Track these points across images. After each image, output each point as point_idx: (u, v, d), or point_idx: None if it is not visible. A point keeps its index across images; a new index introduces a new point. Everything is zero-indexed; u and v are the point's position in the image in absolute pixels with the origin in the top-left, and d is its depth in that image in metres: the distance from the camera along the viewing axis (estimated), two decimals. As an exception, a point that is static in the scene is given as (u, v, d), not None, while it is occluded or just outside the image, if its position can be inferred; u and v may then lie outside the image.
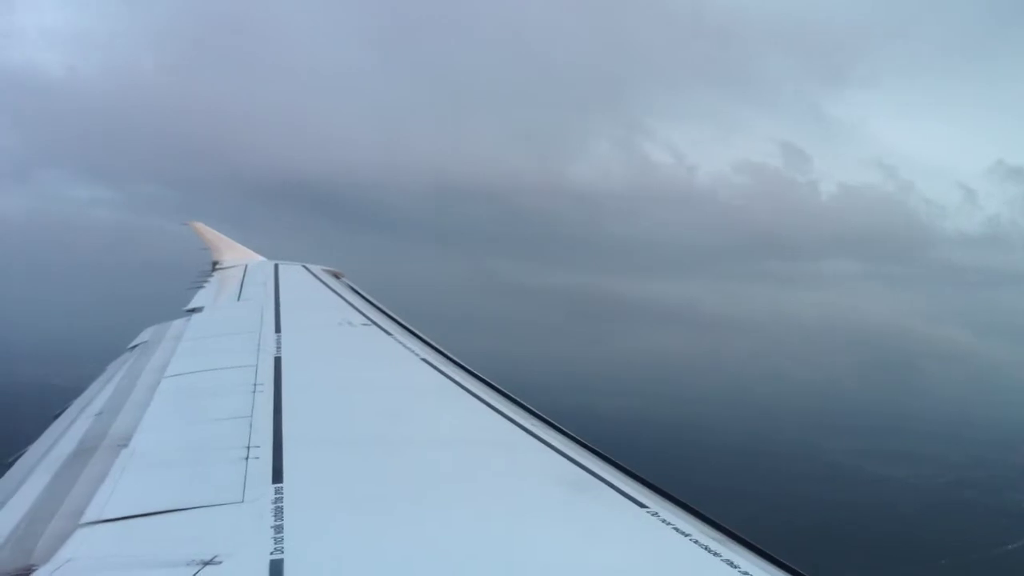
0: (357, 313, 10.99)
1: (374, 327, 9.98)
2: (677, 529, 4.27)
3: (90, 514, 4.27)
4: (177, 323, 10.56)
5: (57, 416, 7.04)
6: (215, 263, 16.70)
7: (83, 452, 5.56)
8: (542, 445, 5.65)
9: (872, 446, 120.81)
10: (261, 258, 17.18)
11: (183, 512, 4.19)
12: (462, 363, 8.16)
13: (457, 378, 7.46)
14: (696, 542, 4.11)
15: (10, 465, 5.81)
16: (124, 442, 5.55)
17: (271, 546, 3.65)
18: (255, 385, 6.75)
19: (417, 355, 8.38)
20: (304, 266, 15.76)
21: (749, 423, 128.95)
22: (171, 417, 6.37)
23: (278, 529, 3.84)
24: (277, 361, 7.65)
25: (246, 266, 15.99)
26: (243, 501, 4.29)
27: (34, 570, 3.66)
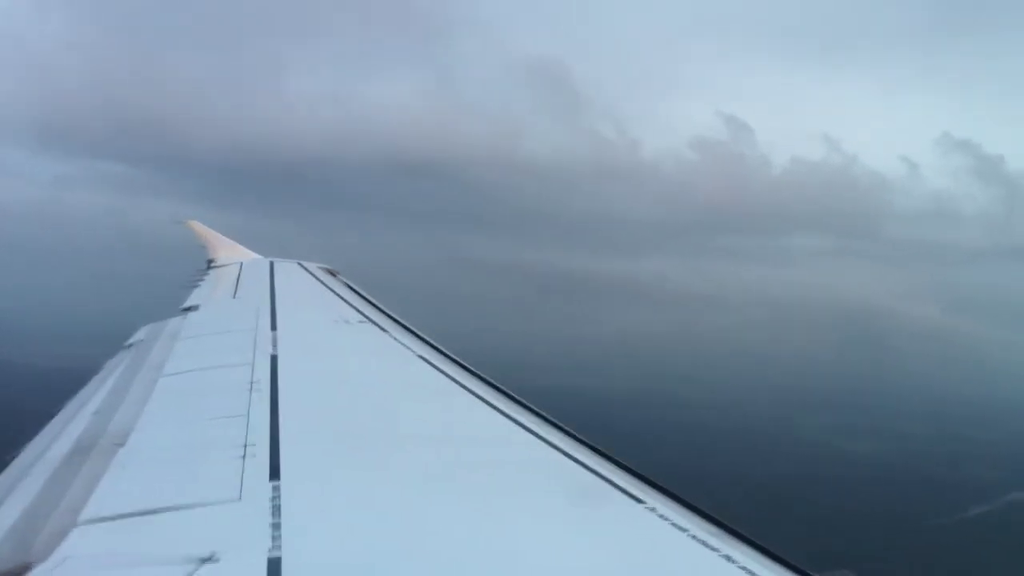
0: (353, 310, 11.00)
1: (370, 324, 9.99)
2: (675, 524, 4.28)
3: (88, 512, 4.27)
4: (173, 321, 10.57)
5: (54, 414, 7.04)
6: (210, 261, 16.71)
7: (80, 451, 5.56)
8: (539, 441, 5.67)
9: (841, 422, 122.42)
10: (257, 256, 17.19)
11: (181, 510, 4.20)
12: (459, 360, 8.18)
13: (454, 375, 7.48)
14: (694, 537, 4.12)
15: (7, 463, 5.81)
16: (121, 440, 5.56)
17: (269, 544, 3.66)
18: (251, 383, 6.76)
19: (414, 352, 8.40)
20: (300, 264, 15.77)
21: (719, 400, 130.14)
22: (168, 416, 6.37)
23: (276, 527, 3.85)
24: (273, 359, 7.65)
25: (241, 264, 16.00)
26: (240, 499, 4.29)
27: (32, 568, 3.66)
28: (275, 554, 3.56)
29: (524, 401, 6.81)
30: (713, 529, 4.34)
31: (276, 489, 4.39)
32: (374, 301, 11.90)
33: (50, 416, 6.99)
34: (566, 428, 6.12)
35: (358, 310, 11.00)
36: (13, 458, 5.94)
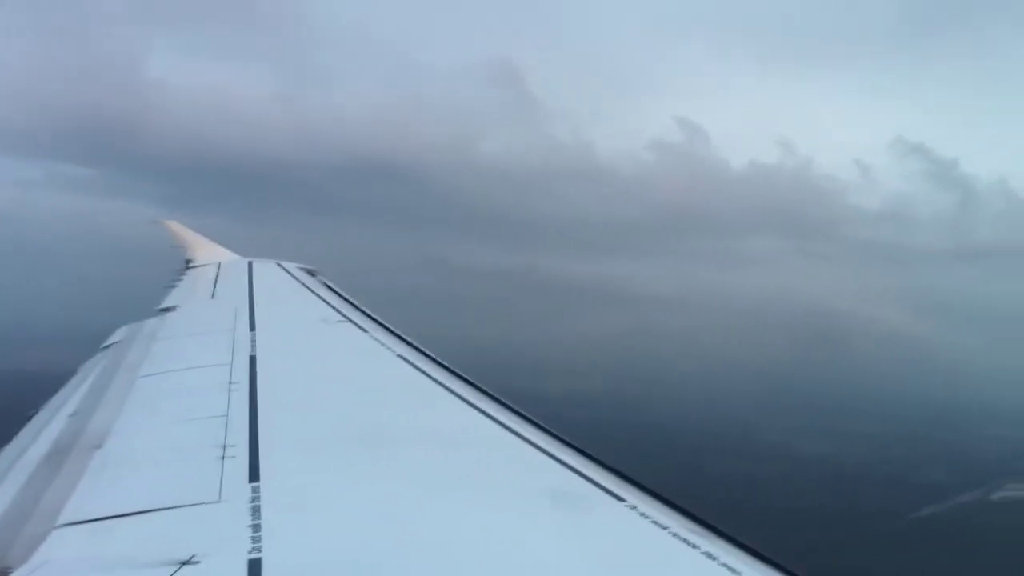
0: (332, 310, 10.97)
1: (349, 324, 9.97)
2: (656, 522, 4.29)
3: (66, 515, 4.25)
4: (151, 322, 10.51)
5: (30, 417, 6.99)
6: (188, 261, 16.61)
7: (58, 453, 5.53)
8: (520, 440, 5.67)
9: (800, 423, 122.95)
10: (235, 256, 17.09)
11: (160, 512, 4.18)
12: (438, 359, 8.17)
13: (433, 374, 7.47)
14: (675, 535, 4.14)
15: None
16: (99, 442, 5.53)
17: (249, 545, 3.65)
18: (230, 384, 6.73)
19: (393, 351, 8.39)
20: (278, 263, 15.71)
21: (679, 402, 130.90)
22: (146, 417, 6.34)
23: (256, 528, 3.84)
24: (252, 359, 7.63)
25: (219, 264, 15.91)
26: (220, 500, 4.28)
27: (10, 572, 3.64)
28: (255, 555, 3.55)
29: (505, 401, 6.81)
30: (694, 527, 4.36)
31: (256, 490, 4.38)
32: (353, 301, 11.87)
33: (27, 419, 6.94)
34: (546, 427, 6.13)
35: (337, 310, 10.97)
36: None
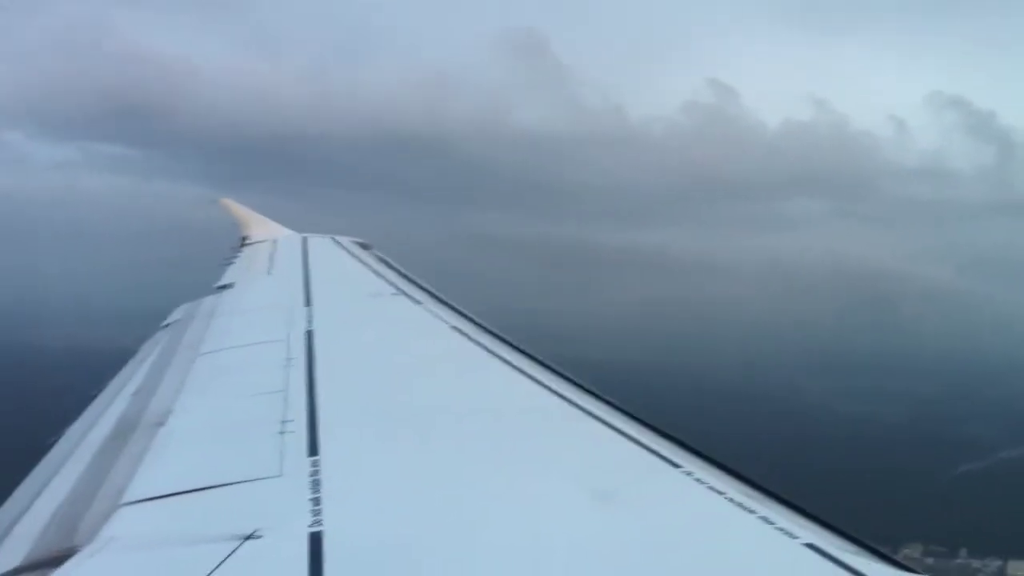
0: (386, 283, 11.02)
1: (403, 297, 10.00)
2: (712, 488, 4.25)
3: (131, 493, 4.32)
4: (209, 300, 10.64)
5: (94, 397, 7.12)
6: (244, 238, 16.79)
7: (122, 432, 5.62)
8: (575, 409, 5.64)
9: (847, 384, 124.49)
10: (289, 232, 17.23)
11: (222, 488, 4.23)
12: (492, 329, 8.16)
13: (487, 344, 7.46)
14: (731, 500, 4.09)
15: (50, 447, 5.89)
16: (162, 420, 5.61)
17: (310, 519, 3.67)
18: (288, 359, 6.79)
19: (447, 323, 8.40)
20: (333, 238, 15.80)
21: (730, 366, 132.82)
22: (207, 394, 6.42)
23: (316, 502, 3.86)
24: (308, 334, 7.68)
25: (275, 240, 16.05)
26: (281, 475, 4.32)
27: (78, 550, 3.71)
28: (316, 529, 3.57)
29: (558, 368, 6.78)
30: (750, 491, 4.31)
31: (315, 464, 4.40)
32: (407, 273, 11.90)
33: (90, 398, 7.08)
34: (602, 395, 6.09)
35: (391, 283, 11.01)
36: (55, 441, 6.01)
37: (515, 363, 6.86)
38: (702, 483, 4.32)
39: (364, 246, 14.89)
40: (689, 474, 4.46)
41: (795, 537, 3.69)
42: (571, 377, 6.55)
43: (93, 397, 7.09)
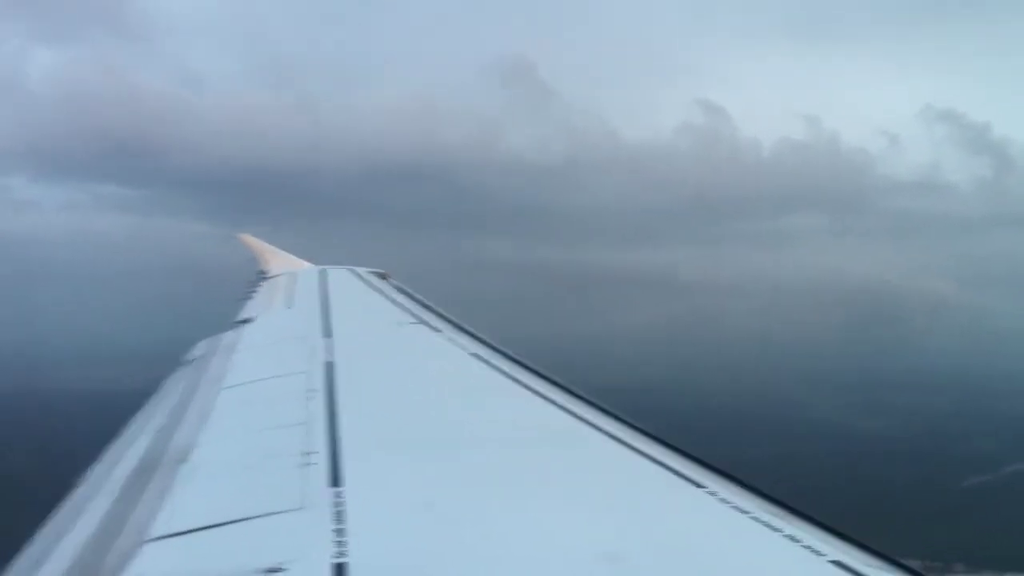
0: (405, 313, 11.05)
1: (423, 326, 10.03)
2: (736, 507, 4.23)
3: (156, 529, 4.32)
4: (229, 334, 10.69)
5: (118, 434, 7.15)
6: (262, 272, 16.88)
7: (146, 468, 5.64)
8: (596, 432, 5.64)
9: (853, 400, 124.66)
10: (308, 264, 17.33)
11: (246, 522, 4.23)
12: (512, 354, 8.17)
13: (508, 371, 7.47)
14: (756, 519, 4.07)
15: (75, 485, 5.91)
16: (185, 456, 5.63)
17: (333, 550, 3.67)
18: (309, 391, 6.80)
19: (467, 350, 8.41)
20: (350, 269, 15.88)
21: (734, 385, 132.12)
22: (229, 428, 6.44)
23: (340, 533, 3.86)
24: (329, 366, 7.70)
25: (293, 274, 16.14)
26: (303, 507, 4.32)
27: None
28: (341, 560, 3.57)
29: (576, 391, 6.78)
30: (775, 510, 4.29)
31: (339, 495, 4.40)
32: (426, 302, 11.94)
33: (113, 436, 7.11)
34: (623, 417, 6.08)
35: (410, 312, 11.05)
36: (81, 479, 6.04)
37: (535, 387, 6.86)
38: (726, 503, 4.31)
39: (382, 276, 14.96)
40: (713, 494, 4.45)
41: (822, 555, 3.67)
42: (590, 399, 6.54)
43: (117, 435, 7.13)
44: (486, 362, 7.83)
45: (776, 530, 3.93)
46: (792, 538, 3.83)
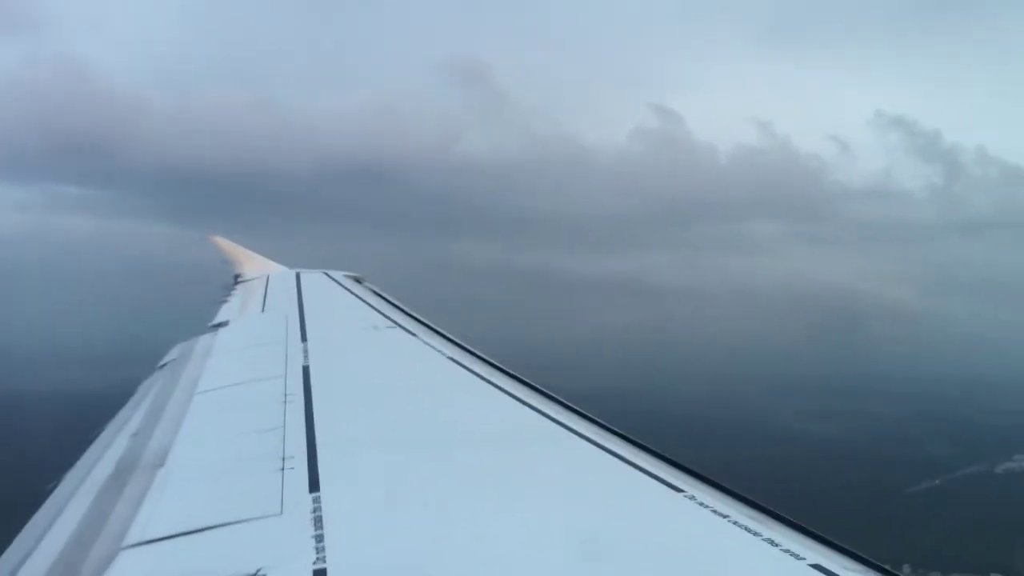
0: (381, 316, 11.02)
1: (399, 329, 10.01)
2: (715, 511, 4.26)
3: (132, 536, 4.30)
4: (204, 338, 10.62)
5: (93, 439, 7.10)
6: (237, 276, 16.78)
7: (121, 474, 5.60)
8: (573, 436, 5.65)
9: (814, 406, 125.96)
10: (282, 268, 17.24)
11: (223, 528, 4.22)
12: (488, 359, 8.17)
13: (485, 374, 7.47)
14: (735, 523, 4.10)
15: (49, 492, 5.86)
16: (161, 461, 5.59)
17: (313, 556, 3.67)
18: (285, 396, 6.78)
19: (444, 354, 8.40)
20: (325, 273, 15.83)
21: (695, 391, 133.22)
22: (205, 434, 6.40)
23: (319, 538, 3.86)
24: (305, 370, 7.68)
25: (268, 277, 16.05)
26: (282, 513, 4.31)
27: None
28: (320, 566, 3.57)
29: (554, 395, 6.80)
30: (754, 514, 4.31)
31: (317, 500, 4.40)
32: (401, 306, 11.92)
33: (89, 440, 7.05)
34: (599, 420, 6.10)
35: (386, 316, 11.02)
36: (56, 485, 5.99)
37: (512, 391, 6.87)
38: (705, 507, 4.33)
39: (358, 280, 14.92)
40: (692, 498, 4.47)
41: (801, 558, 3.70)
42: (566, 402, 6.56)
43: (91, 440, 7.07)
44: (463, 366, 7.83)
45: (755, 534, 3.95)
46: (772, 542, 3.85)
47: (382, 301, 12.48)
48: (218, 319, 11.97)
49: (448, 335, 9.50)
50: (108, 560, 4.03)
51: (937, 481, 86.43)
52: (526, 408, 6.37)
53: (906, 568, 60.34)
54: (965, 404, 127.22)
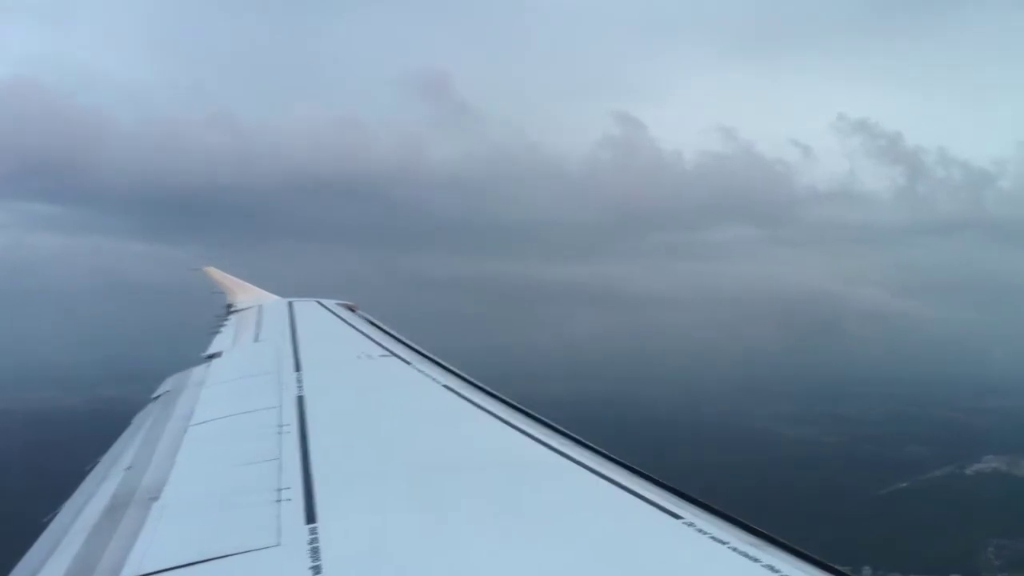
0: (375, 345, 11.02)
1: (393, 358, 10.01)
2: (714, 538, 4.25)
3: (128, 570, 4.28)
4: (198, 370, 10.61)
5: (88, 472, 7.08)
6: (229, 306, 16.79)
7: (116, 507, 5.58)
8: (572, 464, 5.64)
9: (789, 410, 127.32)
10: (275, 297, 17.26)
11: (220, 560, 4.21)
12: (483, 386, 8.17)
13: (480, 402, 7.47)
14: (735, 549, 4.09)
15: (45, 525, 5.84)
16: (156, 494, 5.58)
17: None
18: (280, 426, 6.77)
19: (438, 382, 8.40)
20: (318, 301, 15.84)
21: (670, 396, 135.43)
22: (200, 466, 6.39)
23: (316, 570, 3.85)
24: (300, 400, 7.67)
25: (260, 306, 16.06)
26: (279, 544, 4.30)
27: None
28: None
29: (548, 421, 6.80)
30: (753, 540, 4.31)
31: (313, 531, 4.39)
32: (395, 334, 11.93)
33: (84, 473, 7.03)
34: (591, 445, 6.11)
35: (380, 344, 11.02)
36: (51, 519, 5.97)
37: (506, 418, 6.87)
38: (704, 533, 4.32)
39: (350, 308, 14.93)
40: (690, 525, 4.46)
41: None
42: (564, 430, 6.56)
43: (87, 472, 7.05)
44: (457, 393, 7.84)
45: (755, 560, 3.95)
46: (772, 568, 3.85)
47: (376, 329, 12.48)
48: (211, 349, 11.97)
49: (443, 363, 9.50)
50: None
51: (906, 484, 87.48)
52: (523, 436, 6.37)
53: (867, 570, 60.86)
54: (939, 405, 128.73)
